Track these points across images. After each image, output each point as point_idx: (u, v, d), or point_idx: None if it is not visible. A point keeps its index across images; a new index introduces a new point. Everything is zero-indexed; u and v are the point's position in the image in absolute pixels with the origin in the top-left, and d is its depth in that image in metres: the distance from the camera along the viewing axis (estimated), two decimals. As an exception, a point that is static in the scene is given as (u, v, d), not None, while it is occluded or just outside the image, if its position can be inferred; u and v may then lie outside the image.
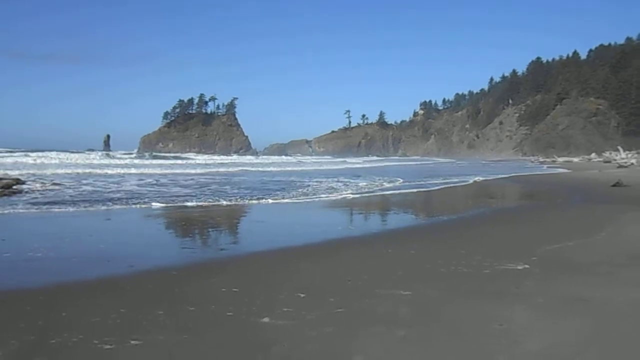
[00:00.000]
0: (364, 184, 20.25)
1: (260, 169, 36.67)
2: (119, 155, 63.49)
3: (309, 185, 18.58)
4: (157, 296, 4.62)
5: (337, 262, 6.19)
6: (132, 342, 3.47)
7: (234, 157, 78.93)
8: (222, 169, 34.52)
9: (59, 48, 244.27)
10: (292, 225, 9.77)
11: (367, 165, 54.32)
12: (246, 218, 11.43)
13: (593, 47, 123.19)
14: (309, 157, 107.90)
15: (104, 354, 3.29)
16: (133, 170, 29.05)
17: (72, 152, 59.53)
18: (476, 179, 24.83)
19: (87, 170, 26.00)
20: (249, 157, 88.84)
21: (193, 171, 30.83)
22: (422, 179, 24.52)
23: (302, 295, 4.55)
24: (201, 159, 64.14)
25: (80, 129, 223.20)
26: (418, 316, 4.03)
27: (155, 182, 19.94)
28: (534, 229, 9.06)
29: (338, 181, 21.35)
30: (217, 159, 64.25)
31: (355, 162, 65.97)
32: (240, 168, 36.88)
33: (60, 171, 24.96)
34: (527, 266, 5.66)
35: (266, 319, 3.92)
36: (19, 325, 3.78)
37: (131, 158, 57.03)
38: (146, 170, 29.77)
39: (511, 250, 6.67)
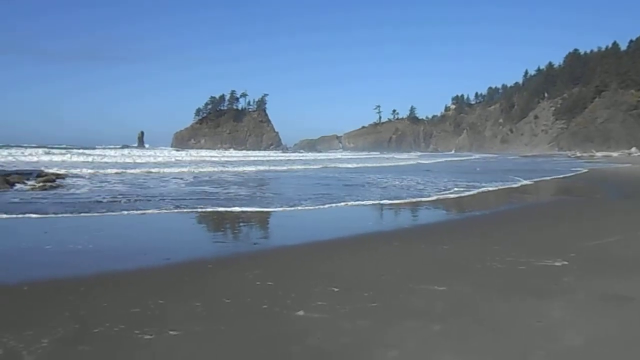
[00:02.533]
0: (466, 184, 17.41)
1: (314, 166, 33.12)
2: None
3: (391, 185, 17.27)
4: (194, 288, 4.72)
5: (370, 256, 6.19)
6: (171, 332, 3.56)
7: (272, 153, 78.12)
8: (276, 167, 31.19)
9: (81, 45, 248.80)
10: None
11: (413, 162, 47.56)
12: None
13: (634, 38, 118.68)
14: (344, 152, 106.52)
15: (144, 344, 3.39)
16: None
17: (110, 148, 60.23)
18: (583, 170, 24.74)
19: (137, 170, 23.50)
20: (284, 152, 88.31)
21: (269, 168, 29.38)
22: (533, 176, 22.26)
23: (336, 290, 4.57)
24: (249, 155, 60.96)
25: (114, 127, 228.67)
26: (453, 311, 3.99)
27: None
28: (573, 224, 8.84)
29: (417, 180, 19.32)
30: (261, 154, 62.85)
31: (401, 158, 62.13)
32: (298, 166, 32.78)
33: (110, 170, 22.97)
34: (565, 262, 5.53)
35: (301, 312, 3.96)
36: (64, 314, 3.92)
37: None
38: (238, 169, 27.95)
39: (548, 246, 6.53)
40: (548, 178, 21.84)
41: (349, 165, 35.14)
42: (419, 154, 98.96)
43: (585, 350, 3.26)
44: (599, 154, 63.92)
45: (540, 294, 4.41)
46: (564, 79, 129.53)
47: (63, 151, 42.25)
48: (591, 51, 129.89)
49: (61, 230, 8.05)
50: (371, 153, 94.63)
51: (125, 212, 9.60)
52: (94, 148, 56.42)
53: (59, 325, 3.67)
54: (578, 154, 67.91)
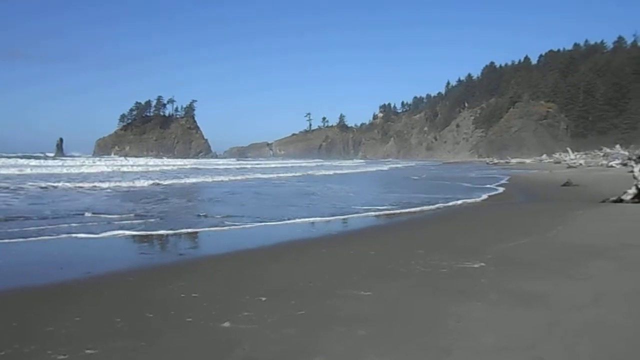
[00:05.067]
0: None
1: (261, 175, 31.55)
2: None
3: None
4: (114, 303, 4.50)
5: (298, 263, 6.20)
6: (87, 351, 3.36)
7: (207, 160, 73.68)
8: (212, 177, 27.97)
9: (23, 49, 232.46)
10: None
11: (349, 170, 46.41)
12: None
13: (543, 53, 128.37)
14: (273, 160, 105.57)
15: (57, 364, 3.17)
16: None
17: (25, 158, 54.65)
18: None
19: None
20: (217, 159, 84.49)
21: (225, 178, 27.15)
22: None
23: (264, 299, 4.53)
24: (187, 162, 57.58)
25: (28, 132, 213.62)
26: (378, 315, 4.08)
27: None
28: (490, 228, 9.33)
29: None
30: (188, 162, 57.88)
31: (339, 165, 62.33)
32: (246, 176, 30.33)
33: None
34: (483, 264, 5.83)
35: (227, 324, 3.88)
36: (-35, 338, 3.60)
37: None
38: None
39: (468, 248, 6.85)
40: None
41: (295, 174, 34.21)
42: (361, 161, 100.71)
43: (500, 346, 3.44)
44: (513, 160, 68.13)
45: (460, 295, 4.61)
46: (482, 90, 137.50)
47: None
48: (506, 64, 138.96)
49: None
50: (315, 160, 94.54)
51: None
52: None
53: (-42, 350, 3.36)
54: (495, 161, 71.98)
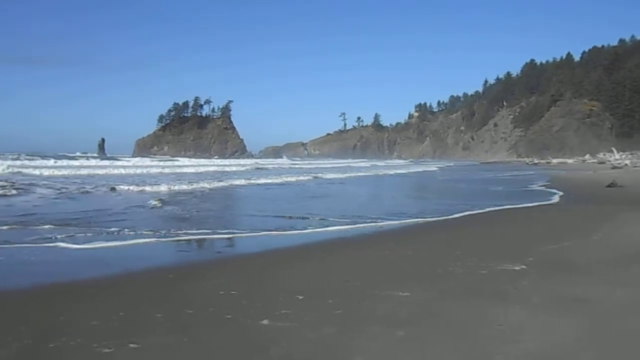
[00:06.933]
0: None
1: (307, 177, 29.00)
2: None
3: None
4: (155, 299, 4.61)
5: (335, 263, 6.21)
6: (131, 345, 3.46)
7: (257, 161, 72.25)
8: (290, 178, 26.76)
9: (53, 52, 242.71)
10: None
11: (403, 170, 45.20)
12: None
13: (586, 49, 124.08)
14: (320, 160, 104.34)
15: (103, 358, 3.28)
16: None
17: (66, 158, 54.25)
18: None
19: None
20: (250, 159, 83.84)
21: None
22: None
23: (301, 297, 4.55)
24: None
25: (72, 133, 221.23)
26: (416, 316, 4.04)
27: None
28: (530, 229, 9.11)
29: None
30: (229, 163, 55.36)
31: (389, 165, 62.45)
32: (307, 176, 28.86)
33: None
34: (524, 267, 5.69)
35: (265, 321, 3.92)
36: (19, 329, 3.76)
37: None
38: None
39: (508, 250, 6.70)
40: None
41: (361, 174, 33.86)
42: (403, 161, 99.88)
43: (542, 352, 3.36)
44: (555, 160, 66.20)
45: (500, 297, 4.52)
46: (522, 88, 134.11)
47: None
48: (547, 61, 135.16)
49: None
50: (361, 159, 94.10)
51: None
52: (47, 157, 51.50)
53: (13, 341, 3.52)
54: (535, 161, 70.12)
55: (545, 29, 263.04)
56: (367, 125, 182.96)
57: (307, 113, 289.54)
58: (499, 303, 4.35)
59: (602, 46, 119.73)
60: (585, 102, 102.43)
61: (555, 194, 16.94)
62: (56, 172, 26.10)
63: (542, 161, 68.32)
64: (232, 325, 3.87)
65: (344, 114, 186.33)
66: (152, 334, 3.68)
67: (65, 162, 39.98)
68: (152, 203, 12.38)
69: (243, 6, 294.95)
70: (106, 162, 45.48)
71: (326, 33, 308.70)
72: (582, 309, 4.21)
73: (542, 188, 20.32)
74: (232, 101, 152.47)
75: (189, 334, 3.69)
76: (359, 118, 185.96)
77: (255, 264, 6.25)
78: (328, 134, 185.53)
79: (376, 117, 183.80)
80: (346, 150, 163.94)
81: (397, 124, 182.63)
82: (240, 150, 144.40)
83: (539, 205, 13.46)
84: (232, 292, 4.76)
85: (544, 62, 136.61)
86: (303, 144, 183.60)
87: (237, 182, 22.46)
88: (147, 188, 17.37)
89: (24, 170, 26.13)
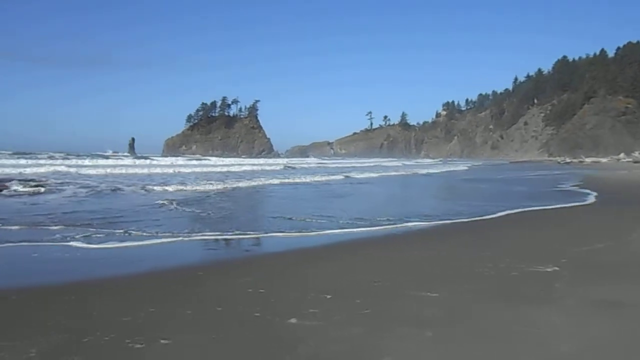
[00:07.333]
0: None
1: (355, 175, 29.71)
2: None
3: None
4: (184, 296, 4.68)
5: (363, 262, 6.18)
6: (162, 341, 3.52)
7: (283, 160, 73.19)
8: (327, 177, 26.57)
9: (78, 51, 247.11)
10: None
11: (435, 170, 43.86)
12: None
13: (621, 45, 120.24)
14: (351, 159, 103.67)
15: (135, 353, 3.35)
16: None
17: (96, 157, 54.43)
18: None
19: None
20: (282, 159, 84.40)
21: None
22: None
23: (329, 297, 4.55)
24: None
25: (103, 133, 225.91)
26: (446, 317, 3.99)
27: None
28: (563, 231, 8.89)
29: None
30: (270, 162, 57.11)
31: (420, 164, 62.23)
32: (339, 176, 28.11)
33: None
34: (556, 268, 5.56)
35: (293, 320, 3.93)
36: (53, 324, 3.87)
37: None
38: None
39: (539, 251, 6.56)
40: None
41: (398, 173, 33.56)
42: (431, 160, 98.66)
43: (576, 355, 3.27)
44: (588, 159, 64.59)
45: (532, 300, 4.42)
46: (553, 86, 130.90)
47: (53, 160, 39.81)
48: (579, 58, 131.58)
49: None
50: (388, 159, 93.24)
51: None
52: (80, 156, 53.03)
53: (47, 335, 3.62)
54: (568, 160, 68.50)
55: (577, 29, 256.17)
56: (394, 124, 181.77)
57: (333, 112, 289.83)
58: (531, 305, 4.26)
59: (638, 42, 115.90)
60: (620, 99, 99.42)
61: (588, 194, 16.48)
62: (102, 171, 27.19)
63: (574, 160, 66.74)
64: (260, 323, 3.89)
65: (370, 112, 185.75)
66: (182, 330, 3.73)
67: (100, 161, 41.36)
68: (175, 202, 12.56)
69: (271, 3, 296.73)
70: (143, 161, 46.64)
71: (356, 31, 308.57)
72: (616, 311, 4.09)
73: (575, 188, 19.80)
74: (259, 101, 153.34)
75: (218, 331, 3.73)
76: (385, 117, 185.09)
77: (284, 262, 6.28)
78: (354, 133, 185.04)
79: (403, 115, 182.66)
80: (373, 149, 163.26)
81: (425, 122, 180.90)
82: (267, 149, 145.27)
83: (572, 206, 13.12)
84: (261, 290, 4.79)
85: (576, 58, 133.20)
86: (329, 143, 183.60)
87: (272, 181, 22.83)
88: (185, 187, 17.63)
89: (69, 170, 27.38)
